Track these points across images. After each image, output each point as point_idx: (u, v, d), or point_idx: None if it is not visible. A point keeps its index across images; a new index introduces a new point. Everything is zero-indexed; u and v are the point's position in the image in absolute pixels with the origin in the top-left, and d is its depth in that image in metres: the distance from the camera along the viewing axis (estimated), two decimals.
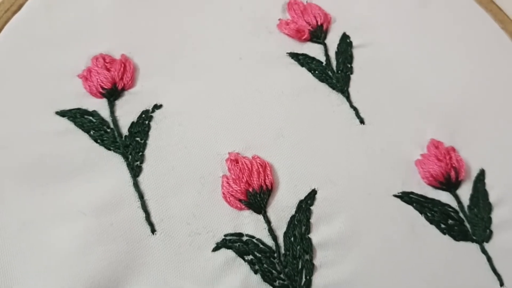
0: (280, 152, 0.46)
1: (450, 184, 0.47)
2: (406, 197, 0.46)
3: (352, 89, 0.50)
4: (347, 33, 0.53)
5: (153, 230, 0.41)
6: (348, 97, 0.50)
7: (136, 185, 0.43)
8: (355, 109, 0.49)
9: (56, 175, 0.42)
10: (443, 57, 0.53)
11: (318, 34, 0.52)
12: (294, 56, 0.51)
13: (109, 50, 0.48)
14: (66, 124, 0.44)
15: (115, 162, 0.44)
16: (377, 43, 0.53)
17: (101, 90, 0.46)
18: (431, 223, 0.45)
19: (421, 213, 0.45)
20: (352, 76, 0.51)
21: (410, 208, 0.45)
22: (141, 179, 0.43)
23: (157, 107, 0.46)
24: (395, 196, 0.46)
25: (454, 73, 0.52)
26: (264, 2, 0.53)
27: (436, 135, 0.49)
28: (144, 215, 0.42)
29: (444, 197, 0.46)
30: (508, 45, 0.54)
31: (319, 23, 0.52)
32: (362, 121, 0.49)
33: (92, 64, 0.47)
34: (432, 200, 0.46)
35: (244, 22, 0.52)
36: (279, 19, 0.52)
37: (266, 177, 0.44)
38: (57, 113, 0.45)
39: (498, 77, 0.52)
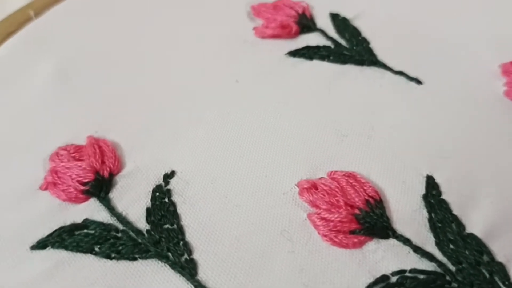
0: (355, 154, 0.33)
1: None
2: None
3: (382, 56, 0.39)
4: (334, 12, 0.43)
5: None
6: (385, 65, 0.38)
7: (202, 287, 0.26)
8: (401, 73, 0.38)
9: None
10: None
11: (306, 23, 0.41)
12: (296, 53, 0.39)
13: (67, 140, 0.33)
14: (54, 255, 0.28)
15: (153, 272, 0.27)
16: (371, 8, 0.43)
17: (82, 188, 0.30)
18: None
19: None
20: (371, 46, 0.40)
21: None
22: (202, 276, 0.27)
23: (169, 176, 0.31)
24: None
25: None
26: (225, 19, 0.42)
27: (503, 59, 0.39)
28: None
29: None
30: None
31: (300, 12, 0.42)
32: (418, 81, 0.37)
33: (54, 163, 0.31)
34: None
35: (217, 46, 0.40)
36: (253, 28, 0.41)
37: (366, 188, 0.30)
38: (33, 247, 0.28)
39: None
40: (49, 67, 0.38)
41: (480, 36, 0.41)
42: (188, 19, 0.42)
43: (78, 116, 0.35)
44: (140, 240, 0.28)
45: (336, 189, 0.30)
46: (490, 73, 0.38)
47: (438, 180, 0.31)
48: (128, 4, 0.43)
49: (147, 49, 0.39)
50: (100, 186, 0.30)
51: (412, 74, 0.38)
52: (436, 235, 0.28)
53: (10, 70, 0.38)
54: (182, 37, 0.40)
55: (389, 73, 0.38)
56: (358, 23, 0.42)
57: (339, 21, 0.42)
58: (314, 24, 0.42)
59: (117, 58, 0.39)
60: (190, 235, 0.29)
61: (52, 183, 0.30)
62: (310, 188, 0.30)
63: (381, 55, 0.39)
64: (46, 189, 0.30)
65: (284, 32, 0.40)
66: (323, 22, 0.42)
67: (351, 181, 0.30)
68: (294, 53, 0.39)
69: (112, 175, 0.31)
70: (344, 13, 0.43)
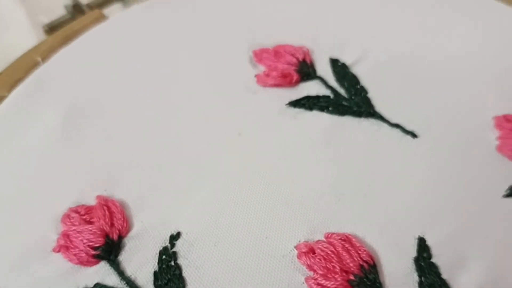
0: (351, 214, 0.34)
1: None
2: None
3: (379, 107, 0.40)
4: (333, 57, 0.44)
5: None
6: (381, 117, 0.39)
7: None
8: (397, 126, 0.39)
9: None
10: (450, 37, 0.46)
11: (306, 71, 0.42)
12: (296, 103, 0.41)
13: (77, 200, 0.35)
14: None
15: None
16: (372, 52, 0.44)
17: (93, 252, 0.32)
18: None
19: None
20: (369, 95, 0.41)
21: None
22: None
23: (175, 237, 0.33)
24: (507, 196, 0.35)
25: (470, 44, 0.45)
26: (227, 66, 0.43)
27: (496, 110, 0.40)
28: None
29: None
30: None
31: (300, 59, 0.43)
32: (414, 135, 0.38)
33: (66, 225, 0.33)
34: None
35: (220, 94, 0.41)
36: (255, 75, 0.42)
37: (360, 252, 0.32)
38: None
39: None
40: (55, 118, 0.39)
41: (481, 82, 0.41)
42: (190, 64, 0.43)
43: (86, 172, 0.36)
44: None
45: (332, 255, 0.31)
46: (487, 124, 0.39)
47: (429, 241, 0.33)
48: (138, 49, 0.44)
49: (152, 99, 0.41)
50: (110, 250, 0.32)
51: (408, 126, 0.39)
52: None
53: (17, 122, 0.39)
54: (186, 84, 0.42)
55: (385, 126, 0.39)
56: (357, 69, 0.43)
57: (338, 67, 0.43)
58: (314, 71, 0.43)
59: (125, 107, 0.40)
60: None
61: (64, 247, 0.32)
62: (308, 252, 0.32)
63: (378, 105, 0.40)
64: (59, 251, 0.32)
65: (285, 82, 0.41)
66: (323, 68, 0.43)
67: (346, 245, 0.32)
68: (295, 104, 0.40)
69: (121, 237, 0.33)
70: (345, 57, 0.44)
